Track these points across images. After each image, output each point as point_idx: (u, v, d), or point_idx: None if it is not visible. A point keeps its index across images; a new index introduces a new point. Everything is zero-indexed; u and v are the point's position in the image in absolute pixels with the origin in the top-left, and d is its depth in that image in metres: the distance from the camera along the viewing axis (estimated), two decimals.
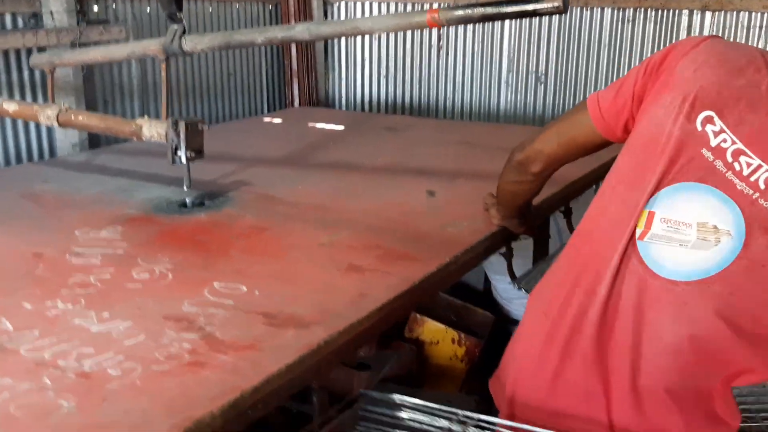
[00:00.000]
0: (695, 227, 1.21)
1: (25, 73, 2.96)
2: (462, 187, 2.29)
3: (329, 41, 4.46)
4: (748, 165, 1.19)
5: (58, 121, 2.12)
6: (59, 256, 1.68)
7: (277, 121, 3.46)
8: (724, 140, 1.20)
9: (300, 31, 1.85)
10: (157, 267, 1.63)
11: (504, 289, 3.00)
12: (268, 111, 4.24)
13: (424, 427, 1.36)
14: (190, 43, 1.96)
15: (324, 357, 1.31)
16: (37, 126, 2.98)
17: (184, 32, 1.98)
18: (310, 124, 3.33)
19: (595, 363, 1.28)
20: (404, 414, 1.37)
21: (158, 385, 1.17)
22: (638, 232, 1.25)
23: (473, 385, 2.41)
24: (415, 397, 1.36)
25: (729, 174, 1.19)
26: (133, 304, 1.44)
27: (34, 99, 3.00)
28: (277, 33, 1.89)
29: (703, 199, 1.21)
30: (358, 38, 4.36)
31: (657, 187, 1.24)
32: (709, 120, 1.21)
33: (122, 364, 1.22)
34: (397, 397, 1.38)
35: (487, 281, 3.12)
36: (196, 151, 1.98)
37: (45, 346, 1.28)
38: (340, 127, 3.21)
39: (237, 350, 1.27)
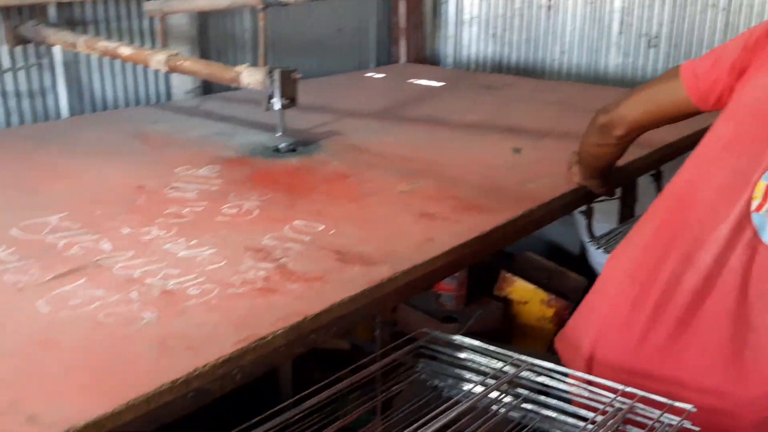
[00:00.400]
0: None
1: (145, 22, 3.15)
2: (549, 146, 2.31)
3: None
4: None
5: (167, 65, 2.27)
6: (159, 189, 1.83)
7: (380, 76, 3.54)
8: None
9: None
10: (245, 203, 1.75)
11: (598, 254, 3.00)
12: (376, 67, 4.32)
13: (481, 367, 1.42)
14: None
15: (385, 294, 1.39)
16: (156, 73, 3.17)
17: None
18: (411, 80, 3.38)
19: (687, 328, 1.30)
20: (462, 354, 1.44)
21: (231, 305, 1.28)
22: (754, 204, 1.25)
23: None
24: None
25: None
26: (219, 235, 1.57)
27: (152, 44, 3.19)
28: None
29: None
30: None
31: None
32: None
33: (202, 285, 1.35)
34: (457, 337, 1.45)
35: (583, 246, 3.12)
36: (290, 99, 2.09)
37: (136, 265, 1.42)
38: (440, 84, 3.26)
39: (306, 281, 1.37)
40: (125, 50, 2.35)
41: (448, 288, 2.88)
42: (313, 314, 1.25)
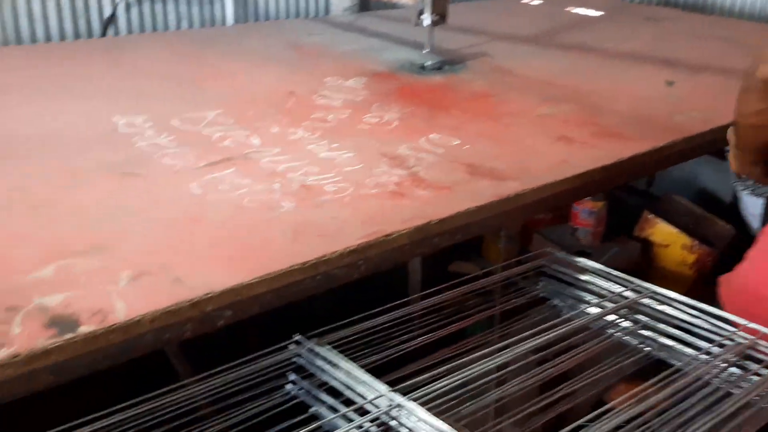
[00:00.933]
0: None
1: None
2: (706, 81, 2.21)
3: None
4: None
5: None
6: (308, 96, 1.92)
7: (537, 3, 3.46)
8: None
9: None
10: (386, 114, 1.81)
11: (752, 204, 2.86)
12: None
13: (602, 291, 1.43)
14: None
15: (512, 208, 1.42)
16: None
17: None
18: (568, 9, 3.29)
19: None
20: (584, 276, 1.46)
21: (362, 203, 1.35)
22: None
23: (698, 294, 2.40)
24: None
25: None
26: (358, 141, 1.64)
27: None
28: None
29: None
30: None
31: None
32: None
33: (338, 183, 1.43)
34: (580, 259, 1.47)
35: (735, 195, 2.98)
36: (440, 15, 2.11)
37: (280, 161, 1.52)
38: (598, 13, 3.15)
39: (435, 189, 1.42)
40: None
41: (586, 223, 2.84)
42: (438, 219, 1.31)
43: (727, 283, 1.47)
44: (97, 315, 0.96)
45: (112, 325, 0.94)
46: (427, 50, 2.16)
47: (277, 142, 1.61)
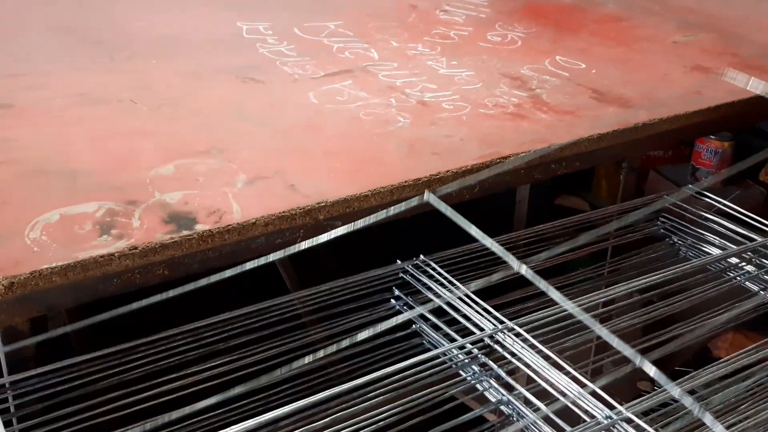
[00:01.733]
0: None
1: None
2: None
3: None
4: None
5: None
6: (431, 10, 1.87)
7: None
8: None
9: None
10: (510, 33, 1.74)
11: None
12: None
13: (725, 231, 1.35)
14: None
15: (638, 138, 1.35)
16: None
17: None
18: None
19: None
20: (708, 215, 1.38)
21: (480, 123, 1.32)
22: None
23: None
24: None
25: None
26: (479, 59, 1.59)
27: None
28: None
29: None
30: None
31: None
32: None
33: (456, 102, 1.39)
34: (707, 194, 1.39)
35: None
36: None
37: (398, 76, 1.49)
38: None
39: (557, 113, 1.37)
40: None
41: (708, 163, 2.70)
42: (559, 145, 1.26)
43: None
44: (213, 215, 0.98)
45: (228, 225, 0.96)
46: None
47: (396, 57, 1.58)
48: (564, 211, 2.54)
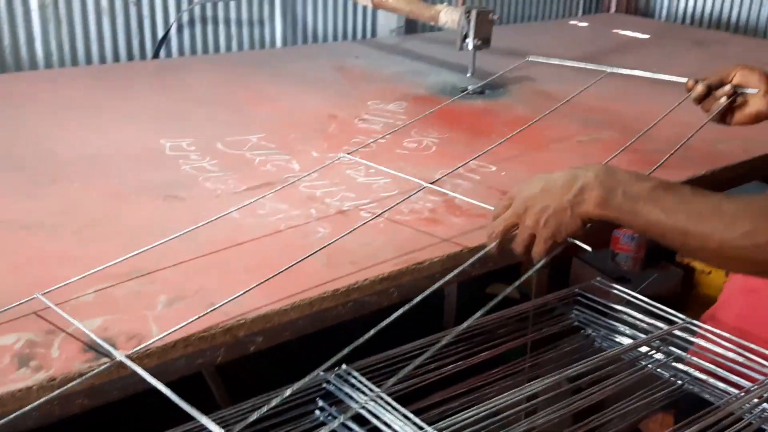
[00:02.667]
0: None
1: None
2: None
3: None
4: None
5: (372, 2, 2.38)
6: (349, 119, 1.96)
7: (583, 25, 3.46)
8: None
9: None
10: (425, 139, 1.83)
11: None
12: (583, 14, 4.21)
13: (636, 321, 1.42)
14: None
15: None
16: (364, 10, 3.31)
17: None
18: (615, 31, 3.28)
19: None
20: (619, 306, 1.45)
21: (396, 230, 1.38)
22: None
23: None
24: None
25: None
26: (396, 166, 1.66)
27: None
28: None
29: None
30: None
31: None
32: None
33: (374, 210, 1.45)
34: (615, 287, 1.46)
35: None
36: (483, 39, 2.12)
37: (318, 186, 1.55)
38: (645, 36, 3.13)
39: (469, 216, 1.44)
40: None
41: (626, 248, 2.82)
42: (471, 247, 1.32)
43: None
44: (133, 339, 1.00)
45: (147, 350, 0.98)
46: (470, 74, 2.18)
47: (316, 167, 1.64)
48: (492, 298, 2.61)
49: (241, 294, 1.11)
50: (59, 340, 0.98)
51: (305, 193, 1.52)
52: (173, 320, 1.05)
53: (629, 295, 1.46)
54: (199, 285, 1.16)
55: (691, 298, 2.82)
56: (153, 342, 0.99)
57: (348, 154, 1.69)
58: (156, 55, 2.81)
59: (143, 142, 1.74)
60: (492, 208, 1.19)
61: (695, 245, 0.95)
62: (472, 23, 2.09)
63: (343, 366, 1.17)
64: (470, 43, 2.10)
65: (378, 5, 2.38)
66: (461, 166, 1.66)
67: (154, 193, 1.48)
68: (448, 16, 2.16)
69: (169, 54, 2.88)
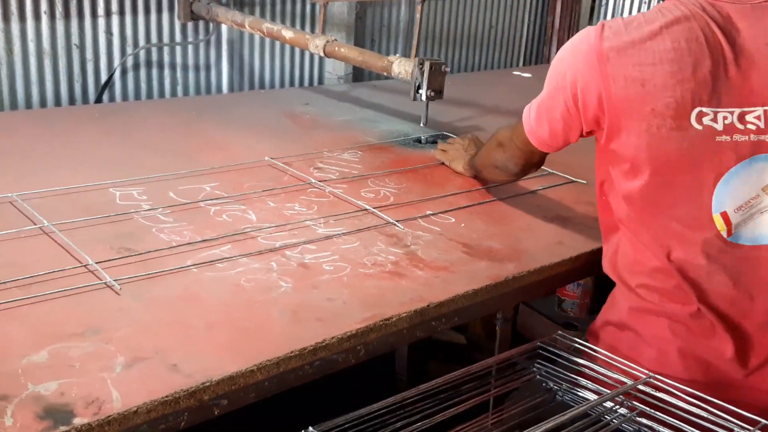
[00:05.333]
0: (763, 193, 1.29)
1: (307, 7, 3.29)
2: None
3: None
4: (758, 117, 1.25)
5: (324, 50, 2.37)
6: (305, 168, 1.93)
7: (527, 75, 3.53)
8: (725, 117, 1.25)
9: None
10: (383, 189, 1.82)
11: None
12: (524, 65, 4.30)
13: (599, 376, 1.42)
14: None
15: (509, 290, 1.41)
16: (311, 57, 3.31)
17: None
18: None
19: None
20: (581, 360, 1.45)
21: (360, 284, 1.35)
22: (723, 233, 1.30)
23: None
24: None
25: (752, 137, 1.26)
26: (355, 217, 1.64)
27: (311, 28, 3.33)
28: None
29: (753, 169, 1.27)
30: None
31: (710, 191, 1.29)
32: (701, 114, 1.25)
33: (336, 262, 1.42)
34: (578, 341, 1.46)
35: None
36: (436, 91, 2.13)
37: (278, 237, 1.51)
38: None
39: (432, 269, 1.42)
40: (287, 33, 2.47)
41: (572, 295, 2.85)
42: (437, 302, 1.30)
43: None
44: (92, 405, 0.94)
45: (108, 416, 0.92)
46: (422, 124, 2.19)
47: (274, 218, 1.61)
48: (443, 347, 2.59)
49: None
50: (12, 407, 0.92)
51: (264, 245, 1.48)
52: (134, 383, 1.00)
53: (591, 348, 1.45)
54: (158, 344, 1.10)
55: None
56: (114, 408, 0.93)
57: (304, 208, 1.66)
58: (99, 100, 2.75)
59: (92, 191, 1.68)
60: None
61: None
62: (426, 74, 2.10)
63: (310, 428, 1.13)
64: (423, 94, 2.11)
65: (329, 54, 2.37)
66: (421, 217, 1.66)
67: (106, 245, 1.41)
68: (401, 68, 2.16)
69: (112, 98, 2.81)
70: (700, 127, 1.26)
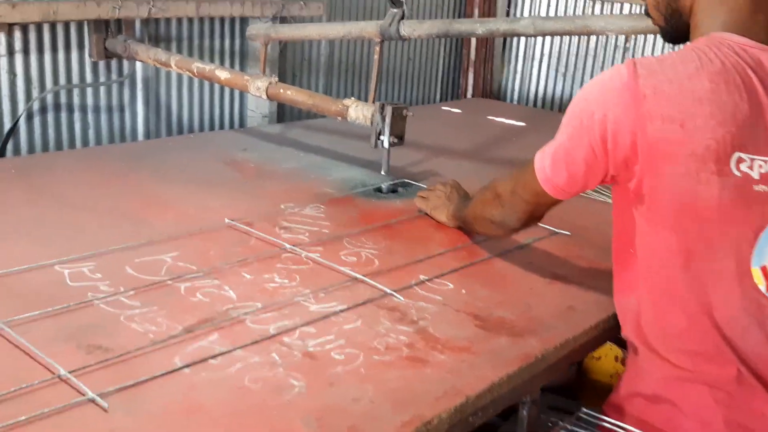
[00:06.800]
0: None
1: (226, 42, 3.08)
2: None
3: None
4: None
5: (267, 93, 2.18)
6: (268, 228, 1.73)
7: (456, 111, 3.45)
8: (760, 165, 1.18)
9: (524, 25, 1.82)
10: (363, 251, 1.65)
11: None
12: (441, 100, 4.23)
13: None
14: (408, 29, 1.97)
15: (540, 371, 1.28)
16: (231, 95, 3.10)
17: (403, 17, 1.98)
18: (489, 117, 3.29)
19: None
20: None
21: (382, 375, 1.18)
22: (762, 288, 1.23)
23: None
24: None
25: None
26: (345, 288, 1.46)
27: (236, 66, 3.12)
28: (500, 25, 1.86)
29: None
30: None
31: (751, 244, 1.21)
32: (739, 160, 1.18)
33: (344, 348, 1.24)
34: (606, 420, 1.34)
35: None
36: (398, 137, 1.99)
37: (268, 320, 1.32)
38: (520, 123, 3.16)
39: (453, 350, 1.27)
40: (222, 73, 2.27)
41: None
42: (475, 394, 1.15)
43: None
44: None
45: None
46: (384, 172, 2.03)
47: (255, 294, 1.41)
48: None
49: None
50: None
51: (256, 330, 1.28)
52: None
53: (617, 425, 1.34)
54: None
55: (583, 384, 2.80)
56: None
57: (285, 279, 1.48)
58: (1, 151, 2.43)
59: (36, 272, 1.42)
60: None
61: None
62: (387, 120, 1.95)
63: None
64: (386, 140, 1.96)
65: (273, 97, 2.19)
66: (417, 284, 1.50)
67: (71, 344, 1.18)
68: (359, 113, 2.00)
69: (17, 149, 2.50)
70: (738, 174, 1.18)
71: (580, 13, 4.11)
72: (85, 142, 2.70)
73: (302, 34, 2.29)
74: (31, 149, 2.55)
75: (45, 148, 2.59)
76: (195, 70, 2.34)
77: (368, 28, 2.04)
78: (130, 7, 2.55)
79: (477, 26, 1.88)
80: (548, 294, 1.52)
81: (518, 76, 4.43)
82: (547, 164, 1.33)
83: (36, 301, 1.30)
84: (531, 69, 4.38)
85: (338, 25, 2.23)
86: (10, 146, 2.47)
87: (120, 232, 1.63)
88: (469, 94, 4.26)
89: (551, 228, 1.83)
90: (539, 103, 4.34)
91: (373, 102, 2.01)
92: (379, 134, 1.97)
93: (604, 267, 1.64)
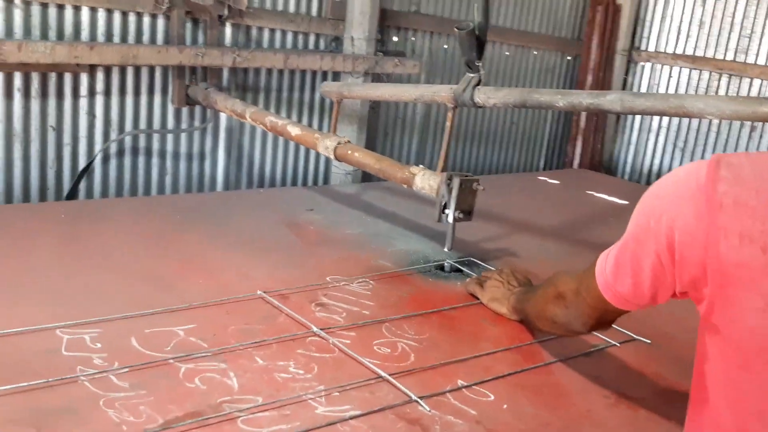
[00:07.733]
0: None
1: (317, 95, 2.99)
2: None
3: None
4: None
5: (335, 153, 2.05)
6: (304, 303, 1.57)
7: (554, 182, 3.21)
8: None
9: (611, 100, 1.59)
10: (400, 342, 1.45)
11: None
12: (545, 168, 4.01)
13: None
14: (482, 96, 1.78)
15: None
16: (316, 153, 3.00)
17: (479, 83, 1.80)
18: (589, 192, 3.03)
19: None
20: None
21: None
22: None
23: None
24: None
25: None
26: (366, 387, 1.27)
27: (320, 121, 3.03)
28: (584, 99, 1.64)
29: None
30: None
31: None
32: None
33: None
34: None
35: None
36: (466, 212, 1.79)
37: (263, 420, 1.14)
38: (624, 202, 2.88)
39: None
40: (293, 129, 2.16)
41: None
42: None
43: None
44: None
45: None
46: (447, 248, 1.84)
47: (260, 385, 1.24)
48: None
49: None
50: None
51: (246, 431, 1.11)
52: None
53: None
54: None
55: None
56: None
57: (301, 370, 1.30)
58: (74, 190, 2.40)
59: (33, 335, 1.31)
60: None
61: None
62: (454, 193, 1.76)
63: None
64: (450, 214, 1.77)
65: (341, 158, 2.05)
66: (452, 391, 1.29)
67: (31, 427, 1.04)
68: (425, 182, 1.83)
69: (90, 190, 2.47)
70: None
71: (704, 87, 3.80)
72: (161, 189, 2.65)
73: (375, 94, 2.15)
74: (105, 192, 2.52)
75: (119, 192, 2.55)
76: (268, 124, 2.25)
77: (442, 93, 1.87)
78: (214, 55, 2.50)
79: (558, 98, 1.67)
80: (609, 420, 1.28)
81: (632, 148, 4.14)
82: (609, 268, 1.10)
83: (20, 371, 1.18)
84: (647, 141, 4.09)
85: (411, 87, 2.07)
86: (83, 187, 2.45)
87: (141, 296, 1.51)
88: (575, 164, 4.01)
89: (628, 333, 1.57)
90: (653, 178, 4.02)
91: (442, 171, 1.83)
92: (444, 207, 1.79)
93: (684, 390, 1.37)
